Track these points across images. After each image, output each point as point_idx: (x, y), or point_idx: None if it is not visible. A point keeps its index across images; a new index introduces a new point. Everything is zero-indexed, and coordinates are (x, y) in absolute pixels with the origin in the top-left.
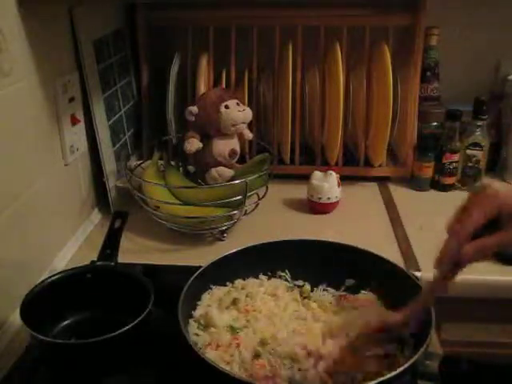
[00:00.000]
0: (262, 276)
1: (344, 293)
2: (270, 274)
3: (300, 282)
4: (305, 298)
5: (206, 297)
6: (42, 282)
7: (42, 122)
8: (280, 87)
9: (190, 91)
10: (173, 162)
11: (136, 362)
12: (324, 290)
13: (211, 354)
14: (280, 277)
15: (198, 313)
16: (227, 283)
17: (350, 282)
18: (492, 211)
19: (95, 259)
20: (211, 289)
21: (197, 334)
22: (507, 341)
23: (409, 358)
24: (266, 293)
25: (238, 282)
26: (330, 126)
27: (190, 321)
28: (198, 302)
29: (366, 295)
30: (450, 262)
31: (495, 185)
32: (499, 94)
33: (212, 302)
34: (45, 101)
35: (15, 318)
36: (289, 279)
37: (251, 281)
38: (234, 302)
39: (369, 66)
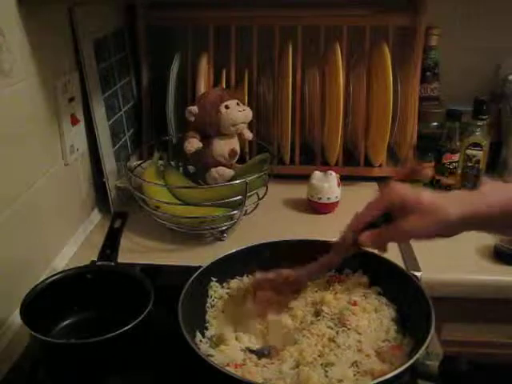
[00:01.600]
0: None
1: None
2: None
3: None
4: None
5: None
6: (42, 281)
7: (42, 122)
8: (280, 87)
9: (190, 91)
10: (173, 162)
11: (136, 362)
12: None
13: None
14: None
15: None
16: (224, 284)
17: None
18: (385, 206)
19: (95, 259)
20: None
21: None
22: (507, 341)
23: (409, 358)
24: None
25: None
26: (329, 126)
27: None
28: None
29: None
30: (347, 245)
31: (394, 185)
32: (499, 94)
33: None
34: (45, 101)
35: (15, 318)
36: None
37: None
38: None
39: (369, 66)
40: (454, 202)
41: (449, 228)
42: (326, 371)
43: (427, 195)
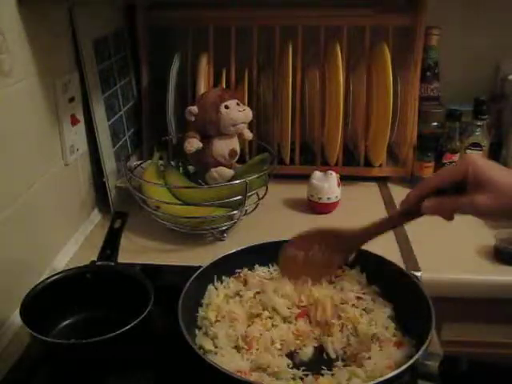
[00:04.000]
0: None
1: None
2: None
3: None
4: None
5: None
6: (42, 281)
7: (42, 122)
8: (280, 87)
9: (190, 91)
10: (173, 162)
11: (136, 362)
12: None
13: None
14: None
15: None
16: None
17: None
18: (457, 175)
19: (95, 259)
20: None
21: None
22: (507, 341)
23: (409, 358)
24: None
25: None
26: (330, 126)
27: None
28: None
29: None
30: (410, 207)
31: (472, 155)
32: (499, 94)
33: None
34: (45, 101)
35: (15, 318)
36: None
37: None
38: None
39: (369, 65)
40: None
41: None
42: None
43: (506, 175)
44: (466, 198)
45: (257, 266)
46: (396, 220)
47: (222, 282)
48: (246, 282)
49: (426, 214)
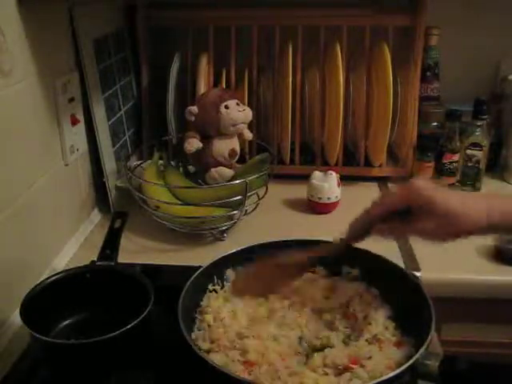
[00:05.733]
0: None
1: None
2: None
3: None
4: None
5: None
6: (42, 281)
7: (42, 122)
8: (280, 87)
9: (190, 91)
10: (173, 162)
11: (136, 362)
12: None
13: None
14: None
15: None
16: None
17: None
18: (403, 202)
19: (95, 259)
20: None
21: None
22: (507, 341)
23: (409, 358)
24: None
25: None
26: (329, 126)
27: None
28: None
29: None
30: (359, 231)
31: (416, 181)
32: (499, 94)
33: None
34: (45, 101)
35: (15, 318)
36: None
37: None
38: None
39: (369, 65)
40: (479, 209)
41: (470, 235)
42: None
43: (453, 201)
44: (414, 225)
45: None
46: (343, 247)
47: (222, 283)
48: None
49: (376, 235)
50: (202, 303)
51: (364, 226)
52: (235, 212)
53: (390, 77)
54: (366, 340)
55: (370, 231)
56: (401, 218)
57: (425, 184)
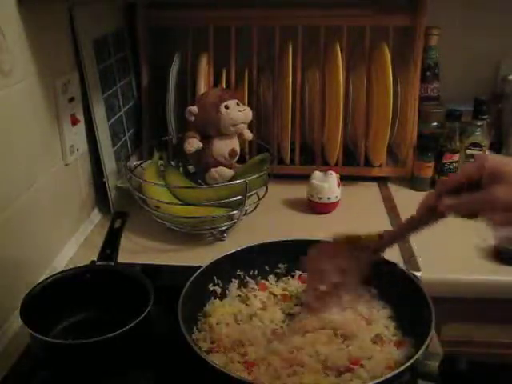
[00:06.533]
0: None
1: None
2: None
3: None
4: None
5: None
6: (42, 282)
7: (42, 122)
8: (280, 87)
9: (190, 91)
10: (173, 162)
11: (136, 362)
12: None
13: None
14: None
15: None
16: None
17: None
18: (473, 173)
19: (95, 259)
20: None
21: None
22: (507, 341)
23: (409, 358)
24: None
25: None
26: (329, 126)
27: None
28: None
29: None
30: (428, 208)
31: (484, 154)
32: (499, 94)
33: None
34: (45, 101)
35: (15, 318)
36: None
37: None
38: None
39: (369, 66)
40: None
41: None
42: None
43: None
44: (484, 191)
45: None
46: (417, 223)
47: (221, 282)
48: (247, 298)
49: (445, 213)
50: (201, 303)
51: (430, 204)
52: (235, 212)
53: (390, 77)
54: (366, 340)
55: (438, 209)
56: (470, 190)
57: (492, 155)
